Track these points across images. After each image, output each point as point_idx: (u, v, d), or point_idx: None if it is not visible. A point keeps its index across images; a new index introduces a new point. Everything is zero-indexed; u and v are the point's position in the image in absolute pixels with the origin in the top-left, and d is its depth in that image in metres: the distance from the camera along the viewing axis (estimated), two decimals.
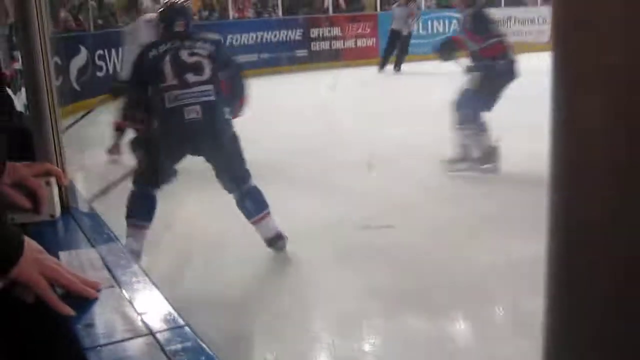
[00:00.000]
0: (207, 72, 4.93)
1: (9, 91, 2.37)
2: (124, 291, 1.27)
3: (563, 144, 0.43)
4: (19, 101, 2.48)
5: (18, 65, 5.79)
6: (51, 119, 1.74)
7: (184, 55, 4.96)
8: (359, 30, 17.65)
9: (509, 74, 6.79)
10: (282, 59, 16.53)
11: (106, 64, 13.11)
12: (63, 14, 13.39)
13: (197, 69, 4.91)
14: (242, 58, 15.64)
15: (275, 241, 5.02)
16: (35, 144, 1.74)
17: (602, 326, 0.41)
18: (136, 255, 4.40)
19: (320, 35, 17.22)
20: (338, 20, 17.59)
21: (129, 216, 4.78)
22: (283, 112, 10.63)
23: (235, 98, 5.20)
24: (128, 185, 5.01)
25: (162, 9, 5.51)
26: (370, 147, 7.71)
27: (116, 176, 5.44)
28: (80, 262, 1.41)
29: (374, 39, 17.77)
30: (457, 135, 6.91)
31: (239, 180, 4.98)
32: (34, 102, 1.73)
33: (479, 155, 6.87)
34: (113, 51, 13.20)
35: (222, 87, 5.03)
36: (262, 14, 17.78)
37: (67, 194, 1.74)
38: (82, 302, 1.22)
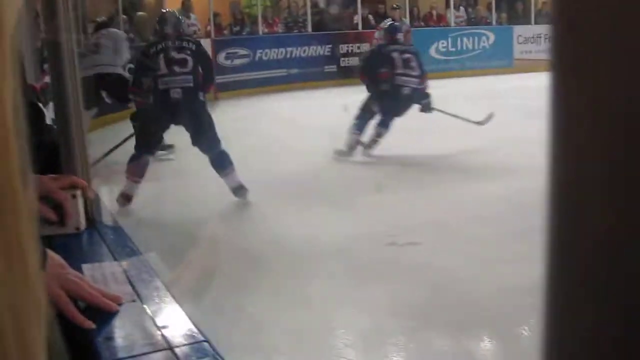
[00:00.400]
0: (190, 66, 6.85)
1: (40, 105, 2.40)
2: (145, 305, 1.28)
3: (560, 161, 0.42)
4: (49, 114, 2.51)
5: (48, 78, 5.89)
6: (77, 132, 1.76)
7: (173, 52, 6.88)
8: None
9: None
10: (311, 74, 16.58)
11: None
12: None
13: (182, 63, 6.84)
14: (271, 73, 15.87)
15: (238, 190, 6.60)
16: (62, 157, 1.76)
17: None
18: (127, 199, 6.38)
19: (350, 51, 17.24)
20: (367, 36, 17.61)
21: (127, 172, 6.56)
22: (308, 128, 10.65)
23: (206, 84, 7.22)
24: None
25: (158, 17, 7.65)
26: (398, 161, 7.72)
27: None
28: (103, 275, 1.42)
29: None
30: None
31: (211, 145, 6.68)
32: (60, 115, 1.75)
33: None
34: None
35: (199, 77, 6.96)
36: (292, 29, 17.86)
37: (92, 207, 1.76)
38: (104, 315, 1.23)
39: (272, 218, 6.10)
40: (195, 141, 6.68)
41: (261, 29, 16.91)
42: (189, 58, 6.88)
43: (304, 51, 16.84)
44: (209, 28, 16.04)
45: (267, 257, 5.16)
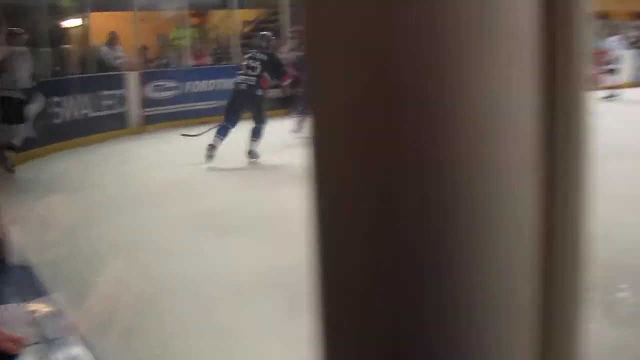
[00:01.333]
0: (257, 70, 10.82)
1: None
2: (49, 347, 1.26)
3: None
4: None
5: None
6: None
7: (251, 60, 11.02)
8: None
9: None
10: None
11: (62, 111, 13.05)
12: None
13: (252, 68, 10.86)
14: (200, 105, 15.82)
15: (253, 155, 10.54)
16: None
17: None
18: (213, 149, 10.40)
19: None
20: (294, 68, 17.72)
21: (216, 135, 10.56)
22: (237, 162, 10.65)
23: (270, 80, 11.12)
24: None
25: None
26: None
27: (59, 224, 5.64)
28: (10, 316, 1.39)
29: None
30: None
31: (259, 120, 10.71)
32: None
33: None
34: (70, 98, 13.17)
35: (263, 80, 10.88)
36: (221, 60, 17.86)
37: (1, 247, 1.73)
38: (5, 358, 1.21)
39: (191, 252, 6.05)
40: (253, 117, 10.78)
41: (189, 61, 16.88)
42: (257, 64, 10.92)
43: (233, 83, 16.87)
44: (136, 60, 15.93)
45: (188, 291, 5.11)
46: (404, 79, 0.45)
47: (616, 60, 18.78)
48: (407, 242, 0.47)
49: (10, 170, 10.06)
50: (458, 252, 0.46)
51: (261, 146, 10.58)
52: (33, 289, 1.57)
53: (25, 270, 1.71)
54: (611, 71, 18.20)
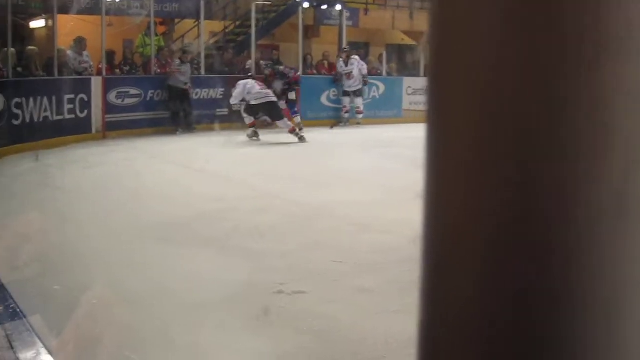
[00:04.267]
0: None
1: None
2: None
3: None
4: None
5: None
6: None
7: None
8: None
9: None
10: (202, 116, 16.57)
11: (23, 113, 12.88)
12: None
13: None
14: (161, 114, 15.73)
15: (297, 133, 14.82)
16: None
17: None
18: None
19: None
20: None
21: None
22: (202, 172, 10.60)
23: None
24: None
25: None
26: (288, 210, 7.75)
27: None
28: None
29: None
30: None
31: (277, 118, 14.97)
32: None
33: None
34: (31, 100, 13.02)
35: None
36: None
37: None
38: None
39: (160, 263, 6.01)
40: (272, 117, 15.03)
41: (154, 69, 16.79)
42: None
43: (197, 93, 16.82)
44: (101, 66, 15.80)
45: (154, 305, 5.08)
46: (554, 75, 0.46)
47: None
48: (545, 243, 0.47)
49: None
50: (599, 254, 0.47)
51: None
52: (8, 310, 1.55)
53: (0, 291, 1.68)
54: None
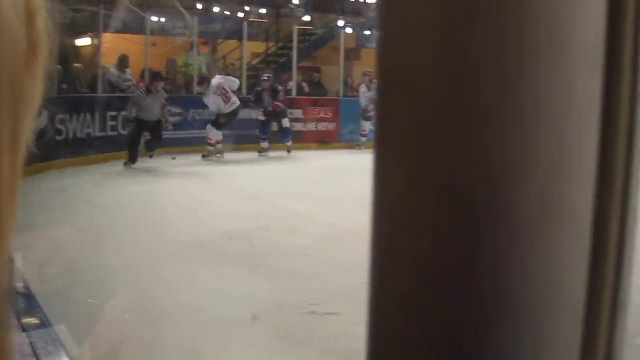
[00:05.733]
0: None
1: None
2: None
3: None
4: None
5: None
6: None
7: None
8: (321, 115, 17.87)
9: None
10: (243, 137, 16.66)
11: (67, 129, 13.10)
12: None
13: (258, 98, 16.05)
14: (203, 133, 15.86)
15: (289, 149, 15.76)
16: None
17: None
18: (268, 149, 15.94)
19: None
20: (301, 103, 17.82)
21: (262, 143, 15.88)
22: (236, 191, 10.67)
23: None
24: None
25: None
26: (318, 230, 7.77)
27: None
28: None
29: (336, 124, 18.00)
30: None
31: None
32: None
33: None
34: (75, 116, 13.23)
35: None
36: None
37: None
38: None
39: (190, 281, 6.06)
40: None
41: (196, 89, 16.95)
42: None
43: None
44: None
45: (184, 322, 5.12)
46: (482, 81, 0.48)
47: None
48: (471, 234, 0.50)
49: None
50: (520, 247, 0.49)
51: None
52: (35, 319, 1.59)
53: (28, 299, 1.72)
54: None
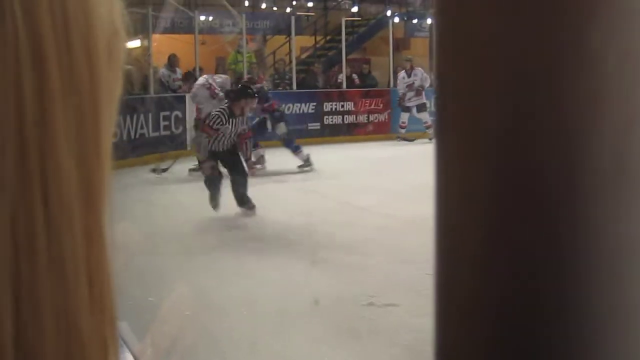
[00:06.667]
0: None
1: None
2: None
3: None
4: None
5: None
6: None
7: None
8: (372, 106, 17.80)
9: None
10: (294, 131, 16.66)
11: (121, 130, 13.28)
12: None
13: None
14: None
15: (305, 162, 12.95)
16: None
17: None
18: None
19: (333, 109, 17.35)
20: (351, 95, 17.77)
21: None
22: (291, 187, 10.68)
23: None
24: None
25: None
26: (378, 222, 7.73)
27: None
28: None
29: (387, 115, 17.92)
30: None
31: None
32: None
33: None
34: (128, 117, 13.39)
35: None
36: (278, 86, 17.98)
37: None
38: None
39: (249, 274, 6.08)
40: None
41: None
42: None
43: (289, 108, 16.95)
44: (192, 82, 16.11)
45: (243, 315, 5.13)
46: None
47: None
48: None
49: None
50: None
51: None
52: None
53: None
54: None
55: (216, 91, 12.69)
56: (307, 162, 13.01)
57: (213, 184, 9.03)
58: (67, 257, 0.39)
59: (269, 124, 13.32)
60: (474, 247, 0.48)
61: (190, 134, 14.32)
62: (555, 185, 0.44)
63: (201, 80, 13.11)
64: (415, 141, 15.98)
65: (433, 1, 0.50)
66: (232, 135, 9.41)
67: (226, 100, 10.55)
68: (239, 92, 10.35)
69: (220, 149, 9.31)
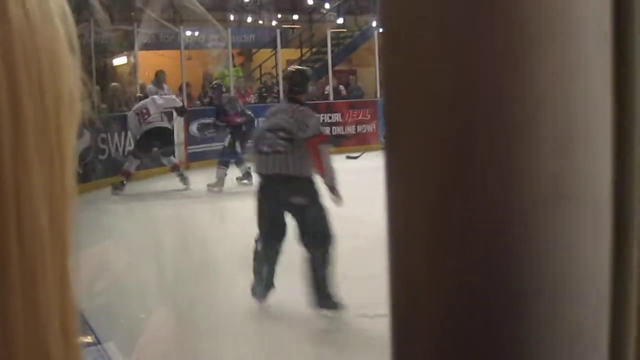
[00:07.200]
0: None
1: None
2: None
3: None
4: None
5: None
6: None
7: None
8: (359, 117, 17.84)
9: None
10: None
11: (108, 148, 13.27)
12: None
13: None
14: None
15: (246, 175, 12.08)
16: None
17: None
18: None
19: (321, 121, 17.33)
20: (338, 107, 17.81)
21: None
22: None
23: None
24: None
25: None
26: (371, 233, 7.74)
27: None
28: None
29: (374, 125, 17.95)
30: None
31: None
32: None
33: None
34: (116, 135, 13.38)
35: None
36: (266, 99, 17.99)
37: None
38: None
39: (244, 290, 6.07)
40: None
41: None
42: None
43: None
44: (180, 98, 16.10)
45: (232, 331, 5.13)
46: (487, 71, 0.47)
47: None
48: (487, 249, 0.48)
49: None
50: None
51: None
52: (84, 336, 1.57)
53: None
54: None
55: (146, 117, 12.61)
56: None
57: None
58: (40, 291, 0.42)
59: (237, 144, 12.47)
60: (420, 250, 0.50)
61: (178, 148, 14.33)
62: (493, 202, 0.46)
63: (136, 106, 13.07)
64: None
65: (379, 16, 0.52)
66: None
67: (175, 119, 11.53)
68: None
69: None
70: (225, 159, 12.35)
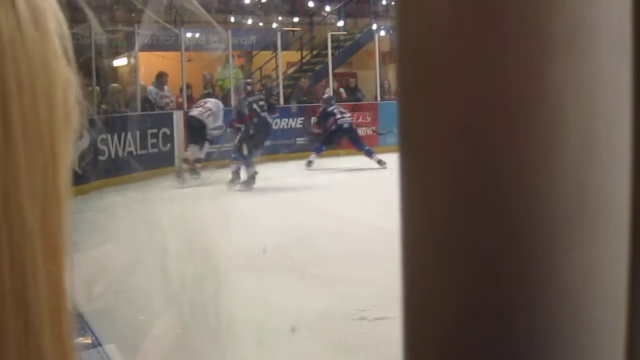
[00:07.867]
0: None
1: None
2: None
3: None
4: None
5: None
6: None
7: None
8: (360, 119, 17.81)
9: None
10: (282, 146, 16.65)
11: (108, 148, 13.25)
12: None
13: None
14: None
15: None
16: None
17: None
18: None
19: None
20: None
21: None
22: (279, 201, 10.68)
23: None
24: None
25: None
26: (368, 236, 7.73)
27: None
28: None
29: (374, 128, 17.94)
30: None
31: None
32: None
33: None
34: (116, 136, 13.36)
35: None
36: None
37: None
38: None
39: (239, 293, 6.05)
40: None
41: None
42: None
43: (276, 123, 16.95)
44: (180, 100, 16.10)
45: (233, 334, 5.11)
46: (506, 77, 0.47)
47: None
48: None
49: None
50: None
51: None
52: (84, 338, 1.57)
53: (76, 319, 1.70)
54: None
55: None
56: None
57: None
58: (32, 295, 0.42)
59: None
60: (434, 254, 0.50)
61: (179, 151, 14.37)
62: (509, 210, 0.46)
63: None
64: None
65: (394, 21, 0.51)
66: None
67: None
68: None
69: None
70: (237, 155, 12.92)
